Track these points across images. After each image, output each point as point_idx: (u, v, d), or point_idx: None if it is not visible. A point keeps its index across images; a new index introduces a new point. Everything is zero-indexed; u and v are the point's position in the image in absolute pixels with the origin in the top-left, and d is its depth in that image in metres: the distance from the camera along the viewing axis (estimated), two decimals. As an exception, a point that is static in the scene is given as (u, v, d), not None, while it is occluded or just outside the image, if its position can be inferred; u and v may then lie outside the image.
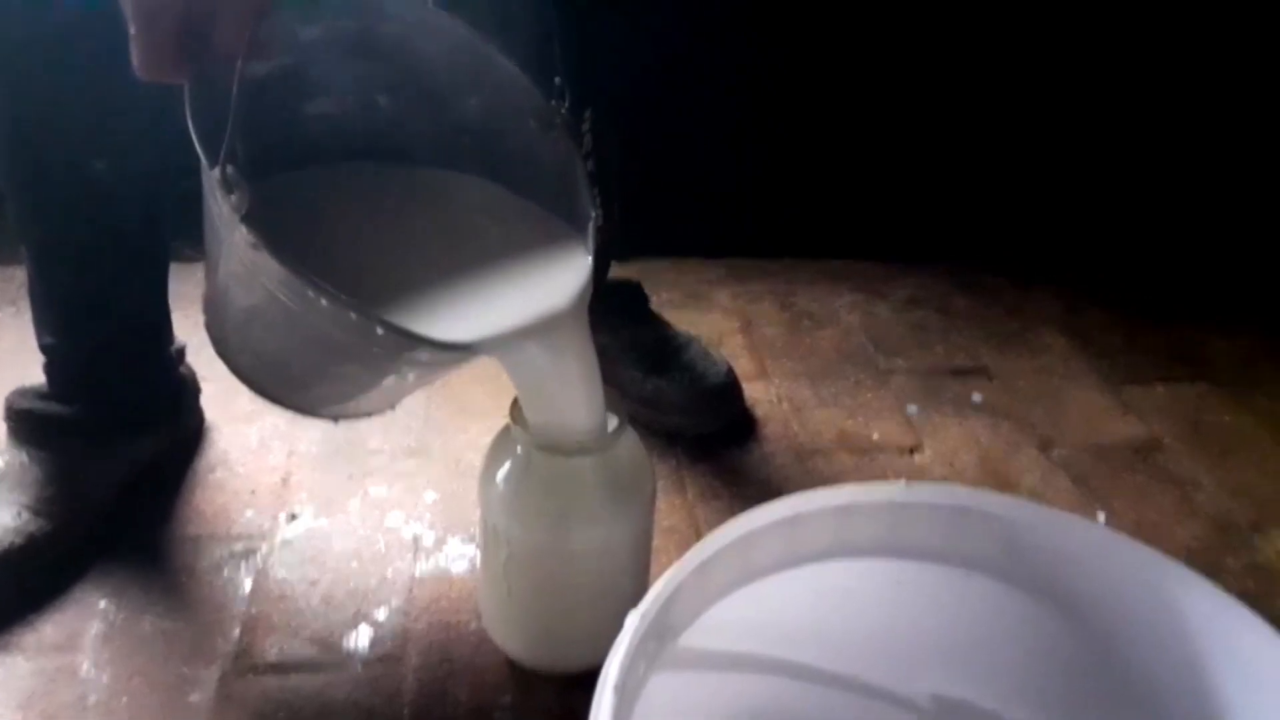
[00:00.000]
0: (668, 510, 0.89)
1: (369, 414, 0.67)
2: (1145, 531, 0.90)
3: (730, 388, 1.00)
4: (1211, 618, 0.50)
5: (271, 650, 0.73)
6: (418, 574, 0.81)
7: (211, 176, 0.49)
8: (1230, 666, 0.50)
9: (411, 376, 0.60)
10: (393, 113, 0.65)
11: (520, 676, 0.72)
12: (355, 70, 0.62)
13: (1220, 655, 0.50)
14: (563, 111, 0.63)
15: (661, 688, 0.49)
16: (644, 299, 1.06)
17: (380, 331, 0.49)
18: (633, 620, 0.46)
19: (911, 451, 0.99)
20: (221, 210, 0.49)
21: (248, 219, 0.48)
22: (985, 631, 0.56)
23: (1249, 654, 0.49)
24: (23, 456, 0.80)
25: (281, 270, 0.47)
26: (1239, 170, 1.39)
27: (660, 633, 0.49)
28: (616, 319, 1.01)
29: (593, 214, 0.60)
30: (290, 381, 0.62)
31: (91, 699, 0.69)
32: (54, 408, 0.81)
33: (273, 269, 0.48)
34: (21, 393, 0.82)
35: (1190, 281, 1.35)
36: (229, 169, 0.48)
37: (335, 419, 0.68)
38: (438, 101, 0.64)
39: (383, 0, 0.59)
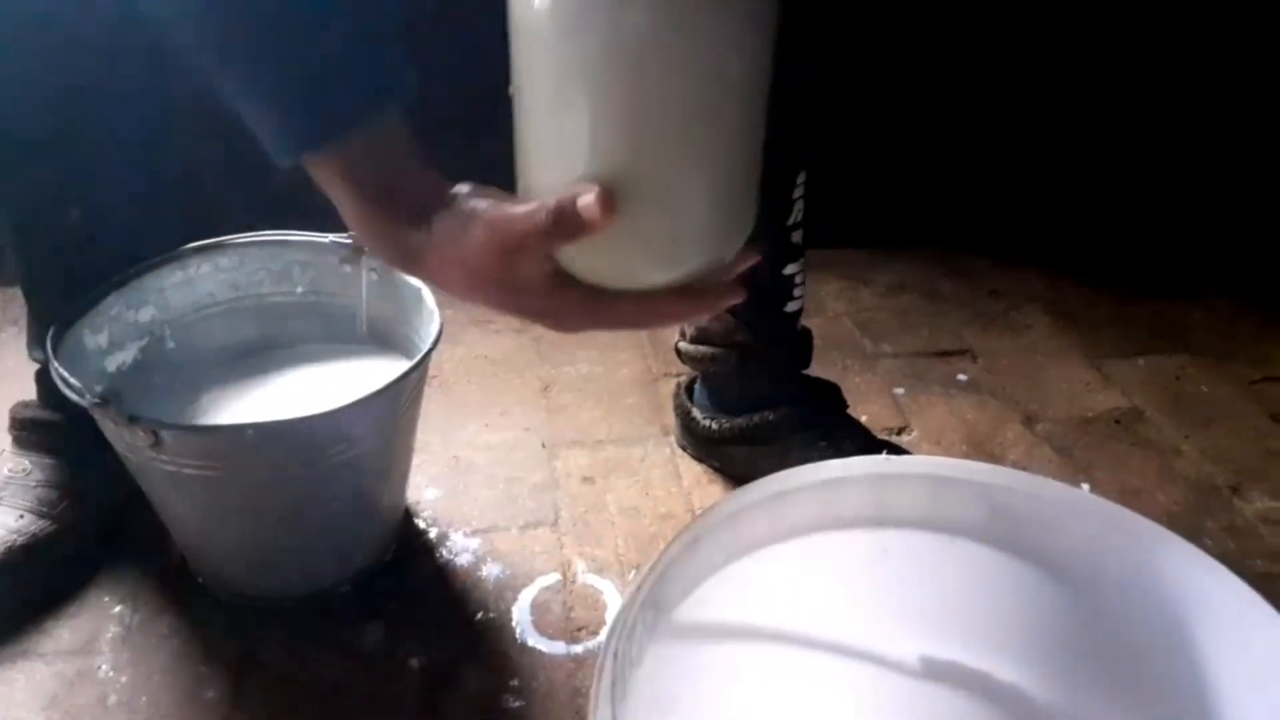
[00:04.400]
0: (665, 497, 0.92)
1: None
2: (1127, 498, 0.92)
3: None
4: (1189, 575, 0.53)
5: (281, 647, 0.75)
6: (421, 567, 0.83)
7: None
8: (1207, 622, 0.52)
9: None
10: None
11: (527, 659, 0.74)
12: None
13: (1197, 611, 0.52)
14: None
15: (659, 657, 0.51)
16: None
17: None
18: (629, 594, 0.48)
19: (900, 431, 1.02)
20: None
21: None
22: (972, 594, 0.58)
23: (1224, 609, 0.51)
24: (25, 463, 0.82)
25: None
26: (1211, 144, 1.41)
27: (657, 605, 0.51)
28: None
29: None
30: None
31: (112, 699, 0.71)
32: (52, 415, 0.83)
33: None
34: (24, 404, 0.85)
35: (1168, 255, 1.37)
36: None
37: None
38: None
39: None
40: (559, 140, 0.44)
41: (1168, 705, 0.52)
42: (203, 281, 0.82)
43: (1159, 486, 0.95)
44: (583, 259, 0.45)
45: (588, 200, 0.42)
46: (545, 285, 0.45)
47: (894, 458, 0.56)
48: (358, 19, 0.44)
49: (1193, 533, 0.89)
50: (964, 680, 0.60)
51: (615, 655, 0.45)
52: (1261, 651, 0.47)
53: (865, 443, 0.90)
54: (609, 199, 0.42)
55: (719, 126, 0.43)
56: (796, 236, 0.86)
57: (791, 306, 0.89)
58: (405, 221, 0.46)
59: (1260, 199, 1.40)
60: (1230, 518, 0.92)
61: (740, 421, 0.92)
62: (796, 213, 0.84)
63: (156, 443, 0.64)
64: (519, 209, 0.44)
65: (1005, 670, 0.59)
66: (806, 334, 0.93)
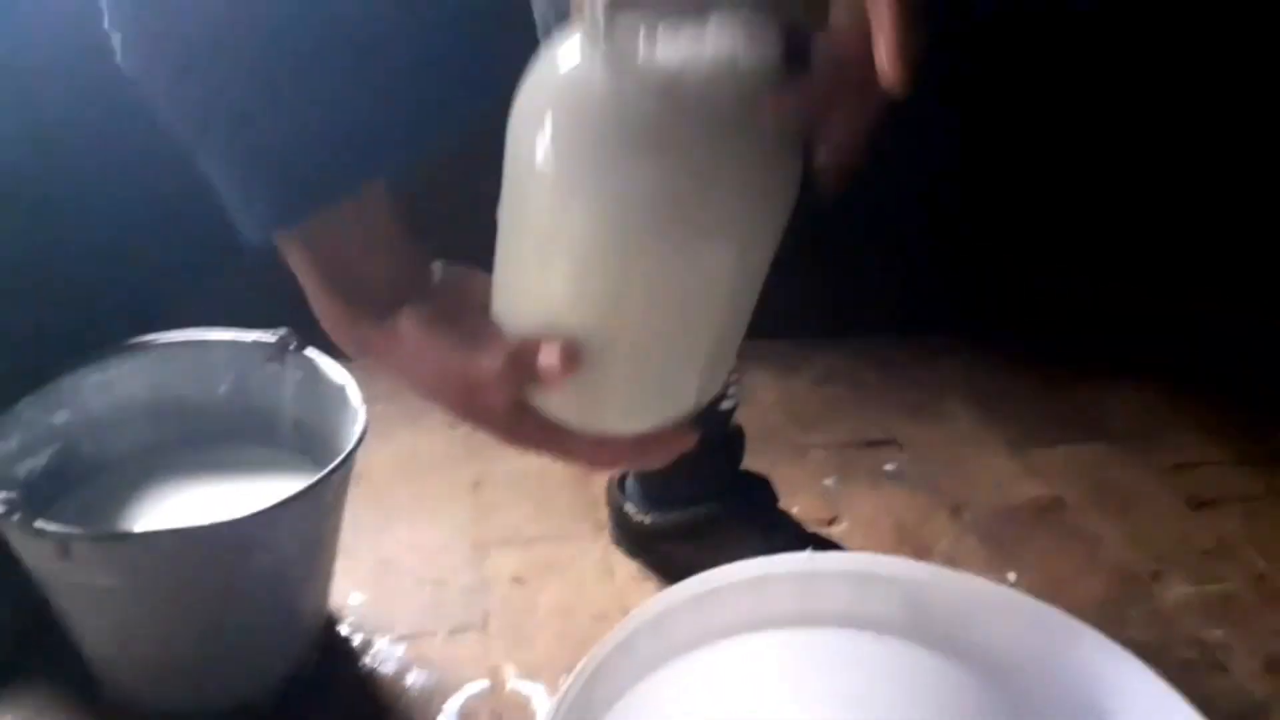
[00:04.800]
0: (598, 597, 0.90)
1: None
2: (1053, 587, 0.93)
3: None
4: (1104, 668, 0.53)
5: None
6: (345, 676, 0.80)
7: None
8: (1121, 715, 0.52)
9: None
10: None
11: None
12: None
13: (1112, 704, 0.53)
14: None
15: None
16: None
17: None
18: (555, 700, 0.48)
19: (831, 523, 1.03)
20: None
21: None
22: (896, 690, 0.58)
23: (1138, 701, 0.52)
24: None
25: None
26: (1120, 224, 1.47)
27: (584, 712, 0.50)
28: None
29: None
30: None
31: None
32: None
33: None
34: None
35: (1085, 344, 1.42)
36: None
37: None
38: None
39: None
40: (538, 282, 0.42)
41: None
42: (122, 383, 0.80)
43: (1083, 575, 0.96)
44: (545, 399, 0.45)
45: (549, 358, 0.41)
46: (505, 413, 0.44)
47: (818, 554, 0.57)
48: (358, 71, 0.40)
49: (1116, 621, 0.91)
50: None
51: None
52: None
53: (797, 536, 0.91)
54: (572, 356, 0.41)
55: (707, 315, 0.43)
56: None
57: (726, 404, 0.90)
58: (371, 314, 0.44)
59: (1171, 283, 1.46)
60: (1151, 605, 0.93)
61: (674, 516, 0.92)
62: None
63: (65, 554, 0.62)
64: (480, 356, 0.43)
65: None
66: (740, 431, 0.94)
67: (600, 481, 1.05)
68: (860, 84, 0.39)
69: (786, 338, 1.42)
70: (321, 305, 0.45)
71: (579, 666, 0.50)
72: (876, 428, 1.21)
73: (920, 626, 0.56)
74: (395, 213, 0.45)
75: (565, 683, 0.49)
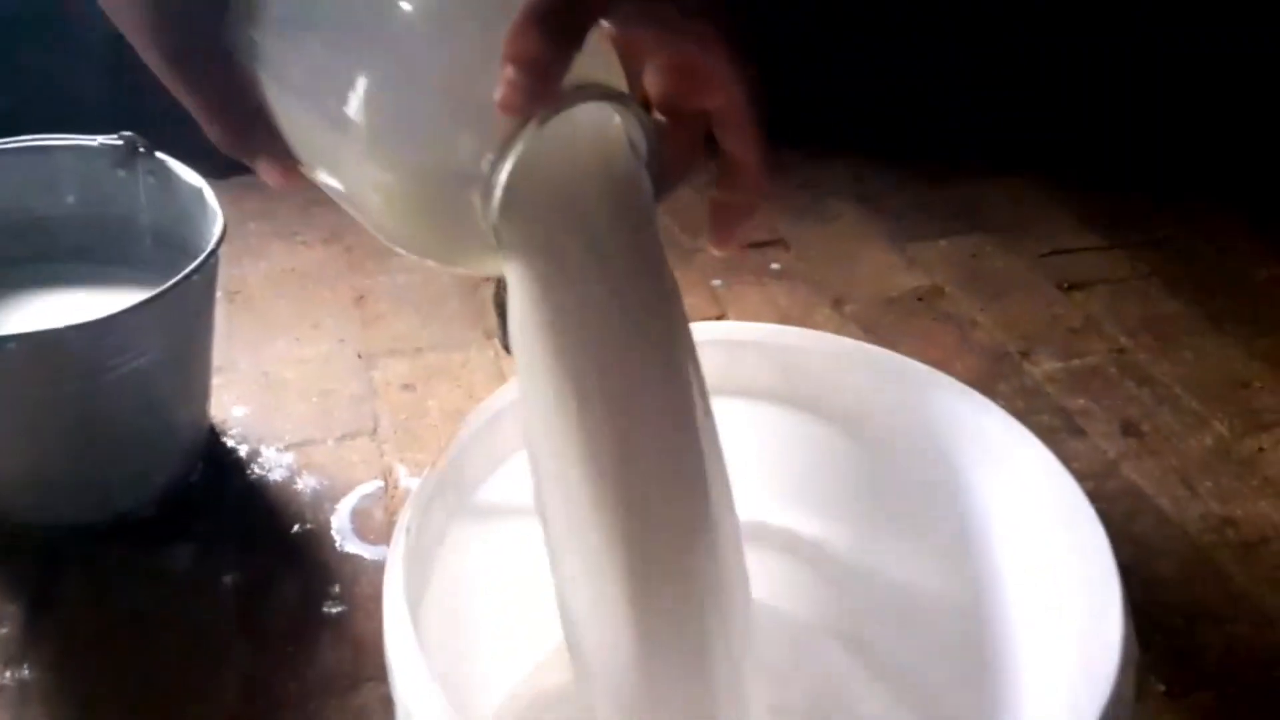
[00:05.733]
0: (479, 362, 0.91)
1: None
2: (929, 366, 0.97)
3: None
4: (954, 407, 0.55)
5: (80, 576, 0.72)
6: (232, 485, 0.80)
7: None
8: (972, 447, 0.55)
9: None
10: None
11: (348, 565, 0.73)
12: None
13: (972, 446, 0.55)
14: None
15: (462, 536, 0.51)
16: None
17: None
18: (427, 473, 0.48)
19: (718, 319, 1.04)
20: None
21: None
22: (770, 454, 0.60)
23: (985, 434, 0.54)
24: None
25: None
26: (1004, 27, 1.47)
27: (456, 484, 0.51)
28: None
29: None
30: None
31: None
32: None
33: None
34: None
35: (965, 140, 1.43)
36: None
37: None
38: None
39: None
40: None
41: (946, 531, 0.56)
42: (-44, 195, 0.75)
43: (957, 356, 1.00)
44: None
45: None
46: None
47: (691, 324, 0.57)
48: None
49: (987, 394, 0.93)
50: (770, 538, 0.62)
51: (408, 530, 0.44)
52: (1019, 464, 0.51)
53: None
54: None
55: None
56: None
57: None
58: None
59: (1049, 82, 1.48)
60: (1020, 380, 0.98)
61: None
62: None
63: (-93, 365, 0.59)
64: None
65: (808, 522, 0.62)
66: None
67: (488, 291, 1.04)
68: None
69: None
70: None
71: (451, 440, 0.50)
72: (763, 229, 1.21)
73: (785, 388, 0.58)
74: None
75: (436, 460, 0.49)
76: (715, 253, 0.40)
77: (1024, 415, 0.92)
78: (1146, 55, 1.47)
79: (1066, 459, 0.51)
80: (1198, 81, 1.48)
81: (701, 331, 0.57)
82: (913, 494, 0.57)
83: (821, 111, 1.44)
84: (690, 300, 1.06)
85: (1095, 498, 0.47)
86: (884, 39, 1.46)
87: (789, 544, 0.62)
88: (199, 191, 0.73)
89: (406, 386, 0.92)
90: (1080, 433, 0.91)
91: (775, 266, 1.13)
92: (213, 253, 0.68)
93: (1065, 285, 1.13)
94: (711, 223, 0.44)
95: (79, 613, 0.69)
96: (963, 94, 1.47)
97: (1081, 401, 0.95)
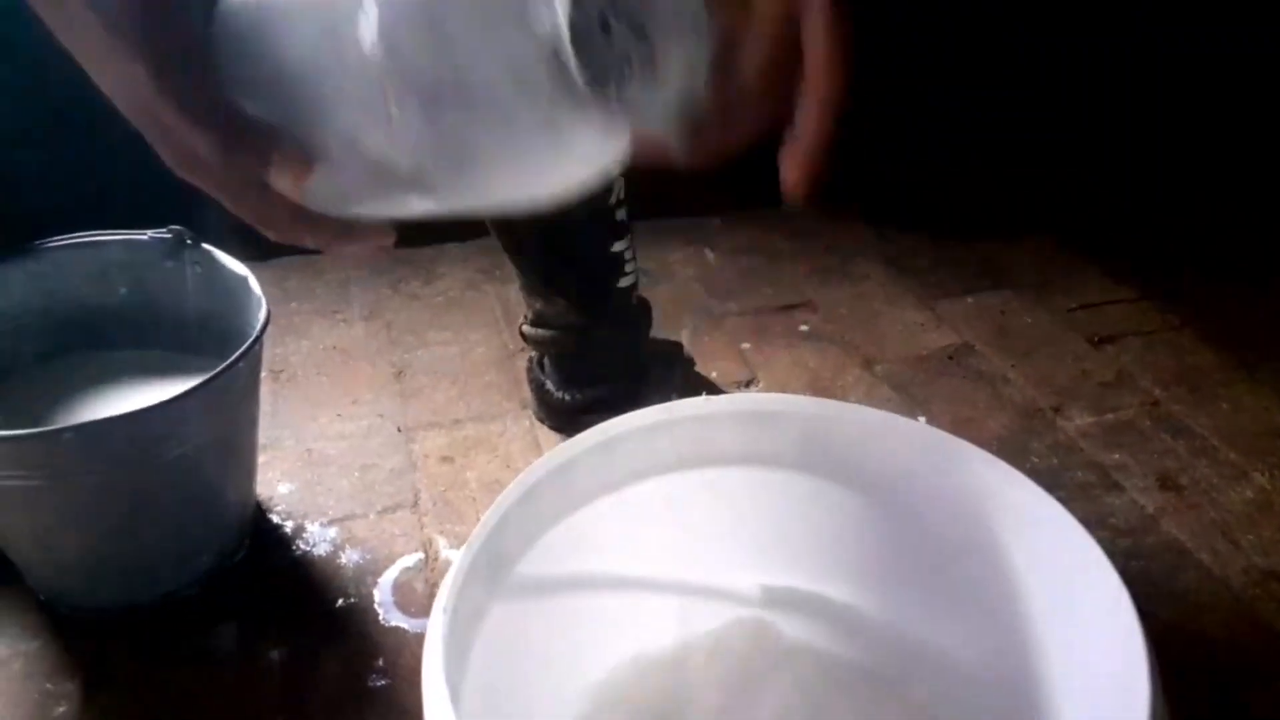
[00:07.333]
0: (525, 468, 0.92)
1: None
2: (961, 426, 0.98)
3: None
4: (984, 480, 0.56)
5: (129, 657, 0.74)
6: (277, 561, 0.82)
7: None
8: (1008, 523, 0.55)
9: None
10: None
11: (391, 639, 0.75)
12: None
13: (999, 514, 0.56)
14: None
15: (501, 612, 0.52)
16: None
17: None
18: (464, 551, 0.49)
19: (748, 384, 1.05)
20: None
21: None
22: (800, 522, 0.61)
23: (1015, 506, 0.55)
24: None
25: None
26: (1028, 90, 1.49)
27: (494, 561, 0.52)
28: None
29: None
30: None
31: (-50, 728, 0.68)
32: None
33: None
34: None
35: (987, 198, 1.45)
36: None
37: None
38: None
39: None
40: None
41: (978, 602, 0.56)
42: (14, 289, 0.79)
43: (989, 413, 1.01)
44: None
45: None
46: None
47: (712, 398, 0.59)
48: None
49: (1020, 452, 0.95)
50: (803, 605, 0.63)
51: (445, 611, 0.46)
52: (1046, 536, 0.51)
53: (712, 395, 0.94)
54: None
55: None
56: (620, 214, 0.88)
57: (624, 282, 0.91)
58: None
59: (1066, 143, 1.49)
60: (1054, 436, 0.98)
61: (591, 392, 0.94)
62: (618, 190, 0.87)
63: (-30, 457, 0.62)
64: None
65: (839, 588, 0.63)
66: (644, 303, 0.95)
67: (523, 362, 1.06)
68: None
69: (700, 215, 1.43)
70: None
71: (487, 514, 0.52)
72: (791, 292, 1.23)
73: (814, 458, 0.59)
74: None
75: (475, 532, 0.51)
76: (787, 202, 0.39)
77: (1058, 472, 0.94)
78: (1177, 110, 1.48)
79: (1103, 515, 0.51)
80: (1229, 128, 1.49)
81: (731, 403, 0.59)
82: (941, 561, 0.58)
83: (845, 174, 1.46)
84: (720, 364, 1.09)
85: (1134, 554, 0.47)
86: (906, 102, 1.48)
87: (821, 609, 0.63)
88: (244, 280, 0.76)
89: (445, 459, 0.94)
90: (1117, 488, 0.91)
91: (804, 328, 1.15)
92: (257, 339, 0.71)
93: (1095, 339, 1.13)
94: (783, 161, 0.41)
95: (129, 694, 0.71)
96: (983, 152, 1.49)
97: (1117, 456, 0.95)
